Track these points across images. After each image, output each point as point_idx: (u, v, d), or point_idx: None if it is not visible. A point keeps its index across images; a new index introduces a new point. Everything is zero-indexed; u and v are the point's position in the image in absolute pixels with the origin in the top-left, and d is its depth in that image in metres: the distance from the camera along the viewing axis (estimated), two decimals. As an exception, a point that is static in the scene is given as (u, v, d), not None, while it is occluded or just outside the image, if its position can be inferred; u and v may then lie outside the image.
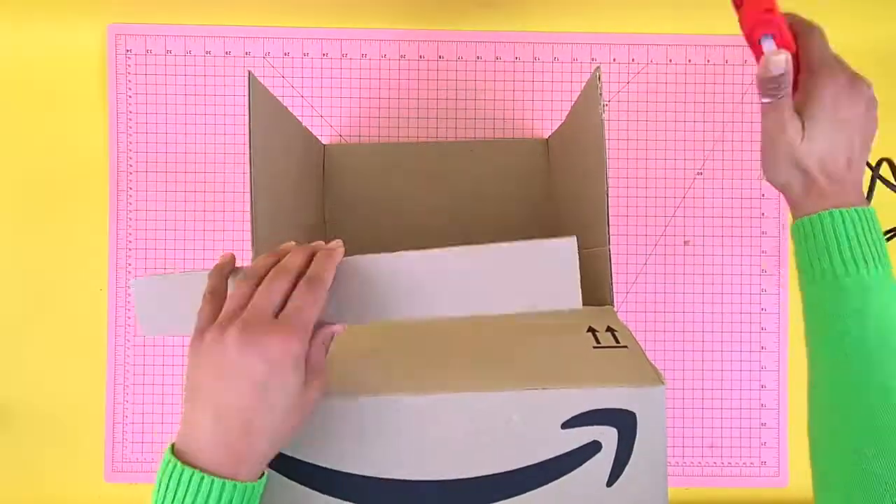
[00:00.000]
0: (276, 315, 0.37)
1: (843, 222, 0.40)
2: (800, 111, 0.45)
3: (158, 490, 0.35)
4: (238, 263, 0.44)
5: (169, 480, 0.35)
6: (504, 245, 0.39)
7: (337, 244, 0.41)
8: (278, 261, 0.40)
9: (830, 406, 0.40)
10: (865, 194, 0.44)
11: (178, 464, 0.35)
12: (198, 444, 0.35)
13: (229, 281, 0.42)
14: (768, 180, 0.47)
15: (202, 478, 0.34)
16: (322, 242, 0.42)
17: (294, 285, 0.38)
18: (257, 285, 0.38)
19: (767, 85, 0.45)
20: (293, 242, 0.43)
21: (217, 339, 0.36)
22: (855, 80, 0.45)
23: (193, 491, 0.34)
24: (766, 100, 0.45)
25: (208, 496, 0.34)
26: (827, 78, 0.44)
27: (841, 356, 0.40)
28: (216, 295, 0.40)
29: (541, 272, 0.39)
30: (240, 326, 0.36)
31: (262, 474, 0.37)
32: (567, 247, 0.38)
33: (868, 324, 0.39)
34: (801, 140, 0.44)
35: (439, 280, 0.40)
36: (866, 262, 0.39)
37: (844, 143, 0.43)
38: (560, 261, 0.39)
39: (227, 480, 0.34)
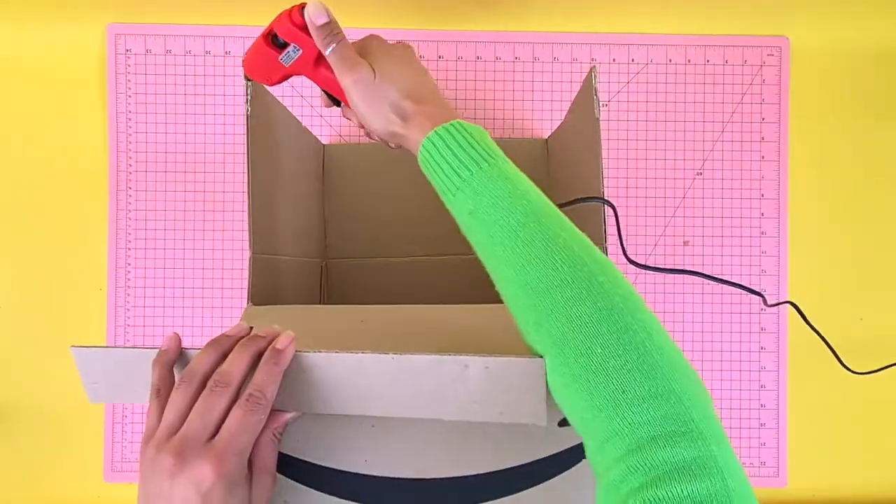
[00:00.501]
0: (212, 436, 0.36)
1: (450, 135, 0.41)
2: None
3: None
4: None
5: None
6: (475, 359, 0.37)
7: (286, 342, 0.39)
8: (224, 355, 0.38)
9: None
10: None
11: None
12: None
13: (175, 370, 0.40)
14: (371, 131, 0.48)
15: None
16: (274, 332, 0.40)
17: (233, 400, 0.37)
18: (199, 390, 0.37)
19: (323, 34, 0.45)
20: (244, 325, 0.42)
21: (154, 461, 0.35)
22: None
23: None
24: (328, 50, 0.45)
25: None
26: (358, 42, 0.47)
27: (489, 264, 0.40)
28: (161, 394, 0.38)
29: (510, 388, 0.37)
30: (173, 452, 0.35)
31: None
32: (536, 367, 0.36)
33: (477, 223, 0.39)
34: (374, 77, 0.45)
35: (399, 386, 0.38)
36: (469, 166, 0.40)
37: (417, 72, 0.46)
38: (530, 379, 0.37)
39: None
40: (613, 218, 0.54)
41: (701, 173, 0.77)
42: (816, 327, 0.77)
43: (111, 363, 0.42)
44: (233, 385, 0.37)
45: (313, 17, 0.45)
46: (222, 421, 0.36)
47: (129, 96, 0.76)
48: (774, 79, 0.77)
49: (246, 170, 0.53)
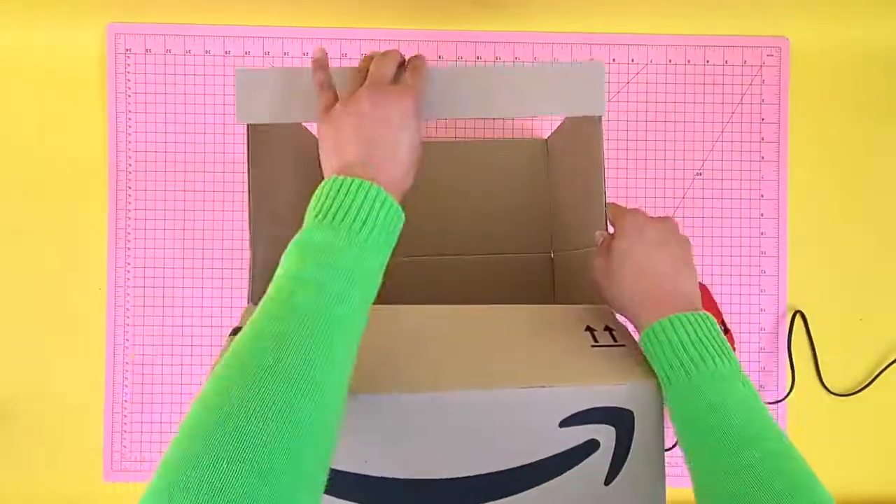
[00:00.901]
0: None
1: (682, 325, 0.42)
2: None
3: (318, 204, 0.40)
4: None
5: (331, 194, 0.40)
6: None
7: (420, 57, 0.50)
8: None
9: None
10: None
11: (346, 178, 0.40)
12: (353, 169, 0.42)
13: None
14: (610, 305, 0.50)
15: (363, 185, 0.40)
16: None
17: (398, 66, 0.48)
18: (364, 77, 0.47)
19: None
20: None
21: (352, 102, 0.45)
22: (658, 217, 0.49)
23: (358, 195, 0.40)
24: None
25: (369, 198, 0.40)
26: (626, 213, 0.50)
27: (707, 452, 0.39)
28: (325, 85, 0.49)
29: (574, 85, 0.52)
30: (370, 89, 0.45)
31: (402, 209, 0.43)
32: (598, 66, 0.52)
33: (727, 415, 0.39)
34: (605, 259, 0.49)
35: (494, 87, 0.51)
36: (713, 357, 0.41)
37: (659, 261, 0.47)
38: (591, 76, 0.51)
39: (381, 188, 0.41)
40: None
41: (700, 174, 0.77)
42: (818, 328, 0.77)
43: (269, 81, 0.51)
44: (396, 57, 0.49)
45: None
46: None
47: (129, 96, 0.76)
48: (774, 79, 0.77)
49: (246, 169, 0.53)
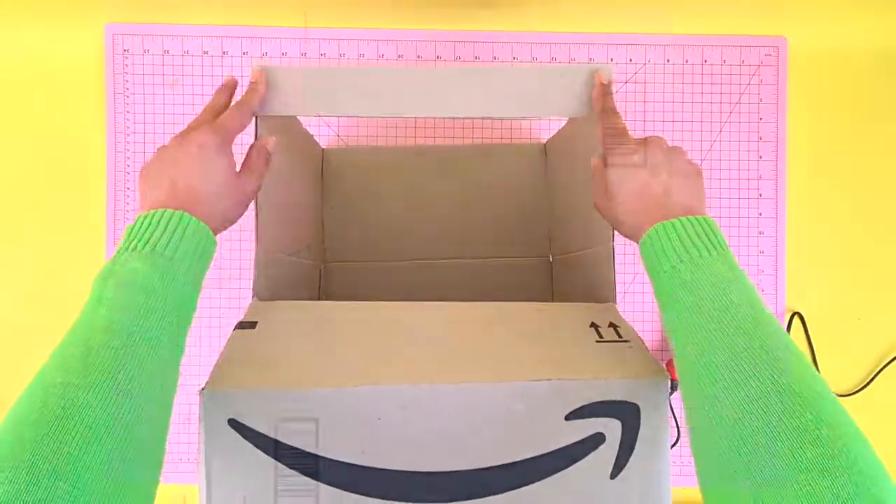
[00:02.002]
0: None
1: (681, 225, 0.43)
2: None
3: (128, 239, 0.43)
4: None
5: (137, 227, 0.43)
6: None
7: (256, 76, 0.54)
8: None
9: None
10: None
11: (146, 213, 0.43)
12: (153, 204, 0.45)
13: None
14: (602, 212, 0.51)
15: (164, 213, 0.43)
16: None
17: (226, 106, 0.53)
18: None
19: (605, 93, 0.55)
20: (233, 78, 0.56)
21: (165, 147, 0.49)
22: (643, 140, 0.50)
23: (160, 224, 0.43)
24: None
25: (169, 225, 0.43)
26: (615, 141, 0.51)
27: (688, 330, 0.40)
28: (208, 108, 0.53)
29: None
30: (180, 134, 0.49)
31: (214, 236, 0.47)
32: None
33: (699, 294, 0.40)
34: (601, 185, 0.50)
35: (495, 87, 0.53)
36: (699, 251, 0.42)
37: (649, 180, 0.48)
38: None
39: (184, 213, 0.44)
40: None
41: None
42: (816, 327, 0.78)
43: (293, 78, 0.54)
44: (225, 90, 0.54)
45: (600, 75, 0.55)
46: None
47: (127, 96, 0.75)
48: (772, 79, 0.77)
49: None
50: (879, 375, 0.77)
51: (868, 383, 0.77)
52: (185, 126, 0.50)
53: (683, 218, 0.44)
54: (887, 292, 0.78)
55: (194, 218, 0.44)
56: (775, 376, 0.35)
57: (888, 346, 0.78)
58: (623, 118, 0.53)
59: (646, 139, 0.50)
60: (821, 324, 0.78)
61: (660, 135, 0.51)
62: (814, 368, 0.37)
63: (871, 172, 0.78)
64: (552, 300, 0.74)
